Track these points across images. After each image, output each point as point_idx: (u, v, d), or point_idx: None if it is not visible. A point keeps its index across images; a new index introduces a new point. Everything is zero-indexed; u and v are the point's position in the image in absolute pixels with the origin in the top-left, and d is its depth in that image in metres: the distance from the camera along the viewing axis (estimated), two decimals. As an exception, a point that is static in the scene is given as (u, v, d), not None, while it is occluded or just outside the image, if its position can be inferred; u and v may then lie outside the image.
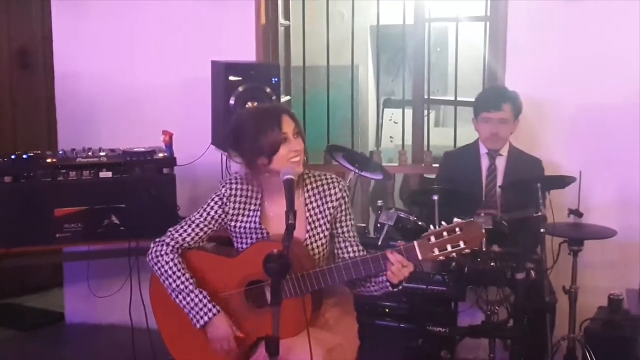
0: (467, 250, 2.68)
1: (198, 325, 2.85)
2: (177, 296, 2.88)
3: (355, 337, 3.02)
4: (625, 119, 4.37)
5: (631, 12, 4.31)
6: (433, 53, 5.26)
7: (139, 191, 4.00)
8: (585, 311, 4.12)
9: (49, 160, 3.94)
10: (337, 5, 5.74)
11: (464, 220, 2.68)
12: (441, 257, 2.69)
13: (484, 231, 2.69)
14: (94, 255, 4.36)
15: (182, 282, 2.87)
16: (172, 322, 2.99)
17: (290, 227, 2.56)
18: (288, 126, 2.85)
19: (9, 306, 5.34)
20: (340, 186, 2.97)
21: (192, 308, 2.85)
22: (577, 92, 4.42)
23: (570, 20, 4.39)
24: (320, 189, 2.96)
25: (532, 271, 3.67)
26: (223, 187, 2.98)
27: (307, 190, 2.96)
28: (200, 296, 2.85)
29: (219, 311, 2.84)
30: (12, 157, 3.93)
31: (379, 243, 3.78)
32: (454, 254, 2.68)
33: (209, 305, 2.84)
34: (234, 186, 2.97)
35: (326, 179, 2.98)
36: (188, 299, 2.86)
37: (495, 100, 4.09)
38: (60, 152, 4.09)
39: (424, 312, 3.84)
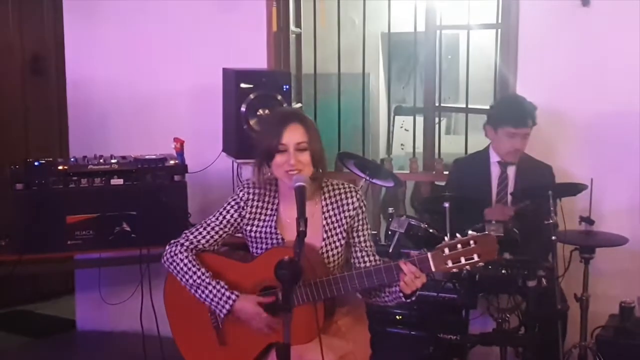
0: (481, 264, 2.68)
1: (222, 315, 2.86)
2: (195, 291, 2.89)
3: (367, 345, 3.03)
4: (638, 127, 4.35)
5: (644, 18, 4.31)
6: (444, 60, 5.25)
7: (150, 198, 4.01)
8: (596, 319, 4.11)
9: (60, 167, 3.95)
10: (348, 12, 5.74)
11: (478, 234, 2.67)
12: (454, 270, 2.69)
13: (497, 245, 2.68)
14: (105, 262, 4.35)
15: (199, 277, 2.88)
16: (186, 328, 3.00)
17: (301, 235, 2.57)
18: (291, 137, 2.83)
19: (20, 313, 5.36)
20: (358, 196, 2.97)
21: (212, 299, 2.86)
22: (588, 99, 4.40)
23: (581, 26, 4.38)
24: (338, 197, 2.96)
25: (543, 279, 3.67)
26: (241, 191, 2.99)
27: (325, 199, 2.96)
28: (218, 287, 2.86)
29: (238, 296, 2.85)
30: (24, 164, 3.93)
31: (390, 250, 3.78)
32: (467, 267, 2.68)
33: (227, 293, 2.85)
34: (251, 190, 2.98)
35: (344, 187, 2.98)
36: (207, 291, 2.87)
37: (522, 116, 4.03)
38: (72, 159, 4.10)
39: (435, 320, 3.84)
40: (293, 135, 2.84)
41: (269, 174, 2.92)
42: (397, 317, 3.91)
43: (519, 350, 3.97)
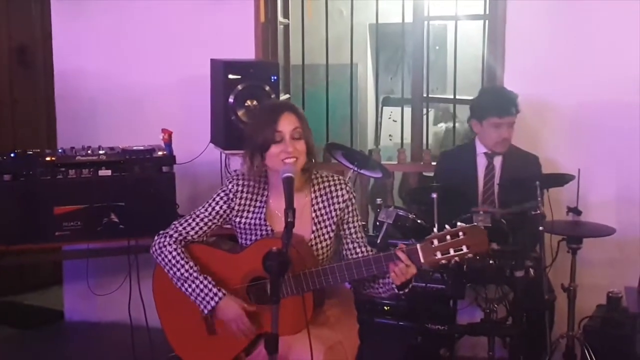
0: (469, 255, 2.68)
1: (206, 311, 2.87)
2: (182, 284, 2.89)
3: (356, 336, 3.03)
4: (624, 117, 4.38)
5: (631, 11, 4.32)
6: (432, 51, 5.25)
7: (139, 189, 4.00)
8: (584, 309, 4.13)
9: (48, 158, 3.94)
10: (336, 3, 5.74)
11: (467, 225, 2.68)
12: (443, 261, 2.70)
13: (487, 237, 2.69)
14: (94, 253, 4.35)
15: (187, 270, 2.88)
16: (175, 316, 3.01)
17: (289, 226, 2.57)
18: (286, 125, 2.85)
19: (8, 304, 5.34)
20: (348, 188, 2.98)
21: (198, 294, 2.86)
22: (576, 91, 4.42)
23: (569, 18, 4.40)
24: (327, 189, 2.97)
25: (531, 269, 3.68)
26: (230, 182, 2.99)
27: (314, 191, 2.97)
28: (205, 282, 2.87)
29: (224, 294, 2.85)
30: (12, 155, 3.92)
31: (378, 241, 3.78)
32: (456, 259, 2.68)
33: (214, 290, 2.85)
34: (240, 182, 2.98)
35: (333, 180, 2.99)
36: (193, 285, 2.87)
37: (506, 105, 4.04)
38: (60, 150, 4.09)
39: (423, 310, 3.85)
40: (288, 124, 2.85)
41: (259, 165, 2.91)
42: (385, 307, 3.92)
43: (506, 340, 3.98)
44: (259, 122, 2.94)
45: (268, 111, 2.96)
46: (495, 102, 4.09)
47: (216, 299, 2.85)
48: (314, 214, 2.95)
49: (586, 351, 3.92)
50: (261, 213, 2.96)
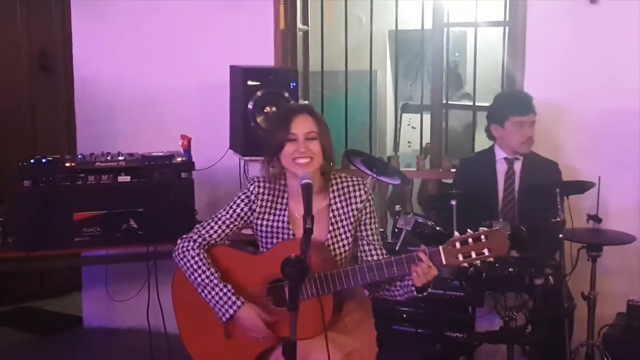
0: (491, 259, 2.69)
1: (224, 319, 2.87)
2: (202, 290, 2.90)
3: (374, 343, 3.03)
4: (645, 124, 4.35)
5: (651, 16, 4.29)
6: (451, 58, 5.24)
7: (158, 195, 4.01)
8: (603, 317, 4.10)
9: (67, 164, 3.96)
10: (355, 10, 5.73)
11: (489, 229, 2.70)
12: (465, 264, 2.70)
13: (509, 241, 2.69)
14: (112, 259, 4.37)
15: (207, 277, 2.89)
16: (192, 320, 3.01)
17: (308, 232, 2.57)
18: (301, 127, 2.86)
19: (27, 310, 5.38)
20: (366, 189, 2.98)
21: (217, 302, 2.87)
22: (596, 97, 4.39)
23: (589, 23, 4.37)
24: (345, 190, 2.97)
25: (550, 277, 3.66)
26: (252, 184, 3.00)
27: (332, 192, 2.97)
28: (225, 290, 2.87)
29: (243, 303, 2.86)
30: (32, 161, 3.95)
31: (397, 248, 3.77)
32: (477, 262, 2.69)
33: (233, 299, 2.86)
34: (261, 184, 2.99)
35: (352, 180, 2.99)
36: (213, 292, 2.88)
37: (527, 103, 4.06)
38: (79, 156, 4.12)
39: (441, 318, 3.83)
40: (302, 125, 2.87)
41: (278, 168, 2.93)
42: (404, 314, 3.91)
43: (525, 348, 3.95)
44: (274, 124, 3.00)
45: (283, 114, 3.00)
46: (515, 101, 4.11)
47: (235, 307, 2.85)
48: (331, 214, 2.95)
49: (606, 359, 3.89)
50: (283, 216, 2.96)
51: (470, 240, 2.68)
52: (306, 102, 5.08)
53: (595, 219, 3.96)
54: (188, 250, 2.95)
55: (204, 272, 2.90)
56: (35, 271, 4.86)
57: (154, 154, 4.11)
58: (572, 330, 3.89)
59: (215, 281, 2.89)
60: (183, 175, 4.10)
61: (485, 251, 2.67)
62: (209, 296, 2.88)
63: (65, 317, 5.26)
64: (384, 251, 3.00)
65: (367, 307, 3.10)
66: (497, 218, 3.80)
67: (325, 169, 2.93)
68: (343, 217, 2.95)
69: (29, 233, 3.90)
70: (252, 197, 2.98)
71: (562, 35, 4.42)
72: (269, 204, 2.98)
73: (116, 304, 4.64)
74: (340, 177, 3.00)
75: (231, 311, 2.85)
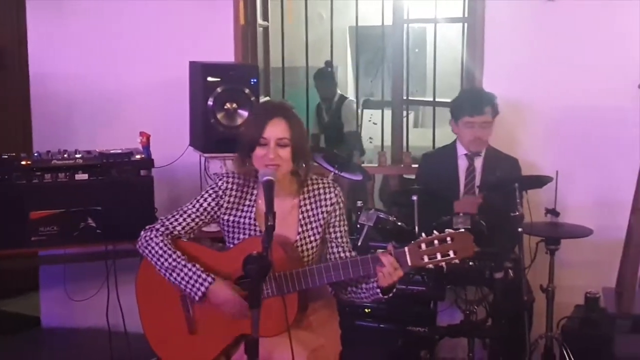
0: (456, 261, 2.70)
1: (197, 298, 2.84)
2: (170, 274, 2.87)
3: (338, 341, 3.03)
4: (602, 120, 4.40)
5: (610, 13, 4.34)
6: (411, 54, 5.26)
7: (116, 193, 3.97)
8: (562, 310, 4.15)
9: (23, 162, 3.90)
10: (316, 6, 5.73)
11: (455, 231, 2.70)
12: (430, 266, 2.71)
13: (473, 243, 2.70)
14: (70, 258, 4.32)
15: (174, 260, 2.87)
16: (156, 316, 2.99)
17: (269, 229, 2.57)
18: (274, 132, 2.84)
19: (-16, 310, 5.29)
20: (336, 191, 2.98)
21: (188, 282, 2.84)
22: (554, 93, 4.44)
23: (547, 20, 4.42)
24: (316, 192, 2.97)
25: (510, 270, 3.69)
26: (220, 180, 2.98)
27: (303, 192, 2.97)
28: (194, 269, 2.85)
29: (214, 279, 2.84)
30: (-13, 159, 3.88)
31: (359, 244, 3.77)
32: (443, 263, 2.70)
33: (204, 276, 2.83)
34: (230, 180, 2.97)
35: (322, 183, 2.99)
36: (182, 274, 2.85)
37: (477, 104, 4.09)
38: (36, 154, 4.04)
39: (403, 313, 3.84)
40: (275, 130, 2.85)
41: (250, 165, 2.91)
42: (366, 310, 3.91)
43: (486, 341, 3.99)
44: (249, 124, 3.00)
45: (259, 115, 2.97)
46: (468, 102, 4.15)
47: (206, 284, 2.83)
48: (301, 216, 2.94)
49: (565, 351, 3.94)
50: (251, 212, 2.95)
51: (436, 241, 2.69)
52: (267, 98, 5.07)
53: (553, 212, 4.00)
54: (152, 239, 2.91)
55: (170, 255, 2.87)
56: (-9, 271, 4.78)
57: (112, 151, 4.06)
58: (531, 322, 3.92)
59: (183, 262, 2.86)
60: (142, 172, 4.06)
61: (451, 253, 2.68)
62: (179, 278, 2.85)
63: (23, 318, 5.17)
64: (352, 253, 3.00)
65: (332, 305, 3.10)
66: (457, 213, 3.81)
67: (296, 170, 2.92)
68: (312, 218, 2.95)
69: (-16, 232, 3.83)
70: (220, 192, 2.96)
71: (520, 32, 4.47)
72: (237, 200, 2.97)
73: (75, 303, 4.59)
74: (312, 179, 2.99)
75: (203, 288, 2.83)
